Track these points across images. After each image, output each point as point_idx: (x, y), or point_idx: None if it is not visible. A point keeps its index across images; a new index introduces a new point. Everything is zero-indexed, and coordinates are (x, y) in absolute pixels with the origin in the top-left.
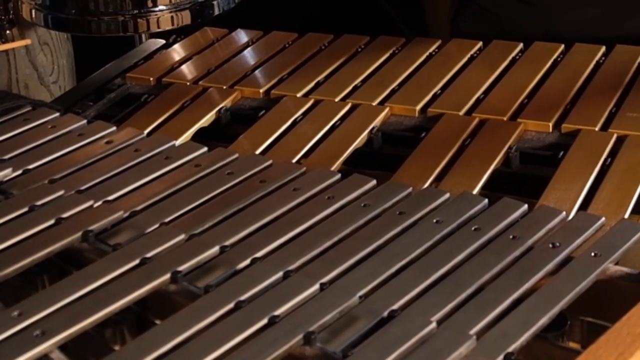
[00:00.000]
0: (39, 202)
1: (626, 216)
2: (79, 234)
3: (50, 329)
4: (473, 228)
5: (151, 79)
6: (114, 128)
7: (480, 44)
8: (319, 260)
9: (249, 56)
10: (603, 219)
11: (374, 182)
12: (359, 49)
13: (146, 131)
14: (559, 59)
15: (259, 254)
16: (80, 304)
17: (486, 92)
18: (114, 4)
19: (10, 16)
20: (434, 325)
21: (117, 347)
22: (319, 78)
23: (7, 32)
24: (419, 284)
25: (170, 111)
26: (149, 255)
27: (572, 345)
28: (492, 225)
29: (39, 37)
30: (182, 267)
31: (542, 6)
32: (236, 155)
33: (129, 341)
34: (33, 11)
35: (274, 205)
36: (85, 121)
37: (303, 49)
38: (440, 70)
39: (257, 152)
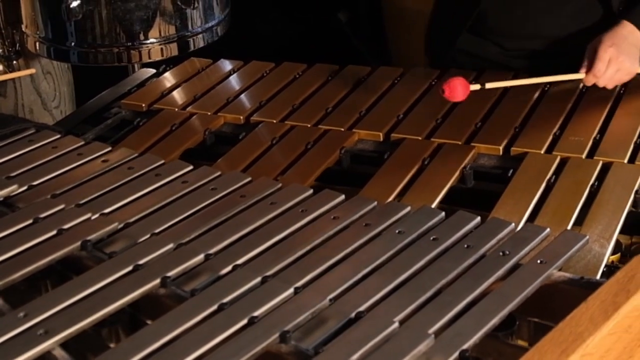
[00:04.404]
0: (42, 215)
1: (569, 227)
2: (78, 243)
3: (53, 329)
4: (431, 238)
5: (143, 105)
6: (110, 148)
7: (438, 72)
8: (294, 267)
9: (231, 84)
10: (548, 229)
11: (343, 196)
12: (330, 77)
13: (139, 151)
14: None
15: (239, 261)
16: (79, 306)
17: (444, 117)
18: (110, 37)
19: (17, 48)
20: (396, 325)
21: (112, 345)
22: (294, 104)
23: (14, 62)
24: (383, 288)
25: (161, 134)
26: (141, 262)
27: (521, 343)
28: (449, 235)
29: (42, 66)
30: (171, 273)
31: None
32: (219, 173)
33: (123, 339)
34: (37, 43)
35: (253, 218)
36: (83, 142)
37: (279, 77)
38: (402, 98)
39: (238, 170)
